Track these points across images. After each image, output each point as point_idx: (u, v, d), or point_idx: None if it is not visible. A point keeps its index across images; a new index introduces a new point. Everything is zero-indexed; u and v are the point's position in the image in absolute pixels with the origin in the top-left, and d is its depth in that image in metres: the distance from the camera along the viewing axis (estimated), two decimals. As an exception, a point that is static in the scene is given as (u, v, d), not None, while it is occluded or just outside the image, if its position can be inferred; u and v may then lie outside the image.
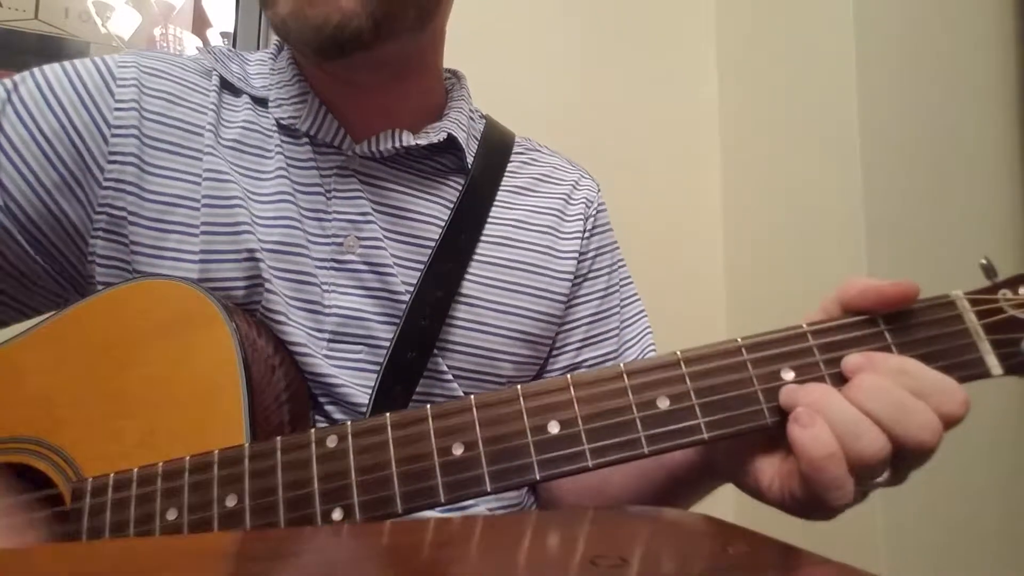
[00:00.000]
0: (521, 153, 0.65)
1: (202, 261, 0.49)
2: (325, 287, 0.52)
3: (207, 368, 0.43)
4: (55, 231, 0.49)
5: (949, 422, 0.35)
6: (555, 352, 0.61)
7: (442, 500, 0.36)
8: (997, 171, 1.18)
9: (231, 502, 0.37)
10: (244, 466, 0.38)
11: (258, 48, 1.14)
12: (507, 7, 1.28)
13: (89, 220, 0.49)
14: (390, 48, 0.52)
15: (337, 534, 0.35)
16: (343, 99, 0.56)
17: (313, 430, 0.38)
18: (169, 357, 0.44)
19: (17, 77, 0.50)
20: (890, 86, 1.09)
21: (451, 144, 0.58)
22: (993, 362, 0.37)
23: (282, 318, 0.49)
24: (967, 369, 0.37)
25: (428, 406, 0.38)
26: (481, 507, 0.54)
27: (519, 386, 0.38)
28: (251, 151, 0.53)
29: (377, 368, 0.51)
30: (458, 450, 0.37)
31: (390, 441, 0.37)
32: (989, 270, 0.40)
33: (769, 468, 0.38)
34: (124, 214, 0.49)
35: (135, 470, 0.39)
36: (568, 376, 0.38)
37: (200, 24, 1.28)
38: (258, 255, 0.49)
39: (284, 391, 0.46)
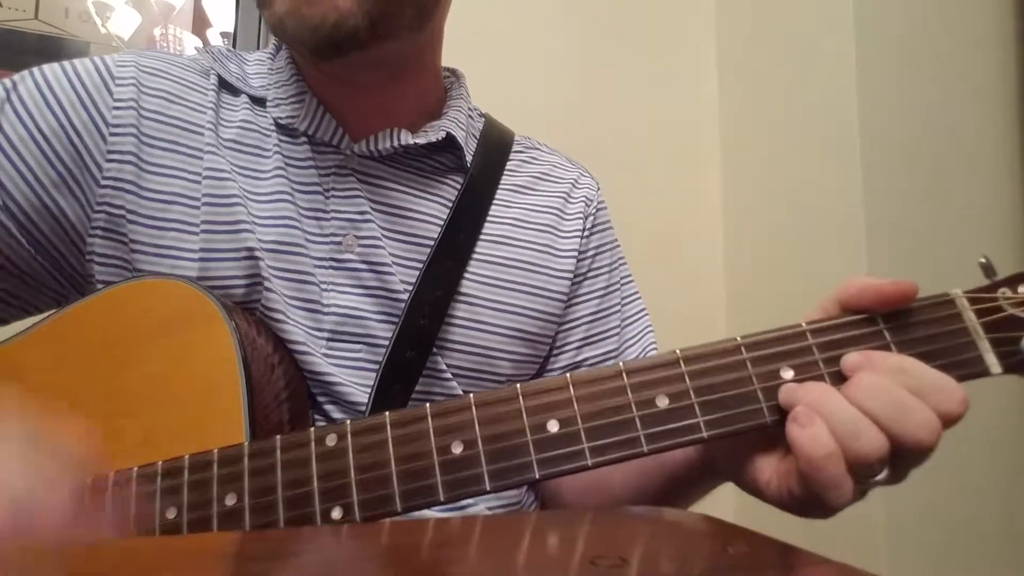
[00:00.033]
0: (520, 151, 0.65)
1: (202, 259, 0.49)
2: (324, 286, 0.52)
3: (207, 367, 0.43)
4: (54, 230, 0.49)
5: (948, 421, 0.35)
6: (556, 351, 0.61)
7: (441, 499, 0.36)
8: (997, 171, 1.18)
9: (231, 501, 0.37)
10: (243, 465, 0.38)
11: (258, 48, 1.14)
12: (507, 7, 1.28)
13: (88, 219, 0.49)
14: (388, 48, 0.52)
15: (337, 534, 0.35)
16: (341, 98, 0.56)
17: (312, 429, 0.38)
18: (169, 356, 0.44)
19: (16, 77, 0.50)
20: (890, 86, 1.09)
21: (450, 143, 0.58)
22: (992, 360, 0.37)
23: (281, 317, 0.49)
24: (966, 368, 0.37)
25: (427, 405, 0.38)
26: (480, 506, 0.54)
27: (518, 385, 0.38)
28: (249, 150, 0.53)
29: (376, 367, 0.51)
30: (457, 449, 0.37)
31: (389, 440, 0.37)
32: (988, 269, 0.40)
33: (768, 467, 0.38)
34: (123, 212, 0.49)
35: (135, 469, 0.39)
36: (567, 375, 0.38)
37: (200, 24, 1.28)
38: (257, 254, 0.49)
39: (283, 389, 0.46)
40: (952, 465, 0.94)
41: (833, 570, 0.26)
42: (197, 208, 0.50)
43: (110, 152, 0.49)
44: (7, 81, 0.50)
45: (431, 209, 0.57)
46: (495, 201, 0.59)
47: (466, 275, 0.55)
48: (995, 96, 1.19)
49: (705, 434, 0.37)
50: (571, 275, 0.60)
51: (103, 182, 0.49)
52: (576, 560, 0.29)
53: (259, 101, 0.56)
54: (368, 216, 0.54)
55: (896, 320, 0.38)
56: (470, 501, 0.52)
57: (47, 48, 1.16)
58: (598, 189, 0.67)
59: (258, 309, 0.49)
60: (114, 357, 0.44)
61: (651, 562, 0.28)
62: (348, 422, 0.38)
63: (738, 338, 0.38)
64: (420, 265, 0.54)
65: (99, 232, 0.49)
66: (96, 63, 0.51)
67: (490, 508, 0.55)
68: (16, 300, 0.52)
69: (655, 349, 0.65)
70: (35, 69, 0.50)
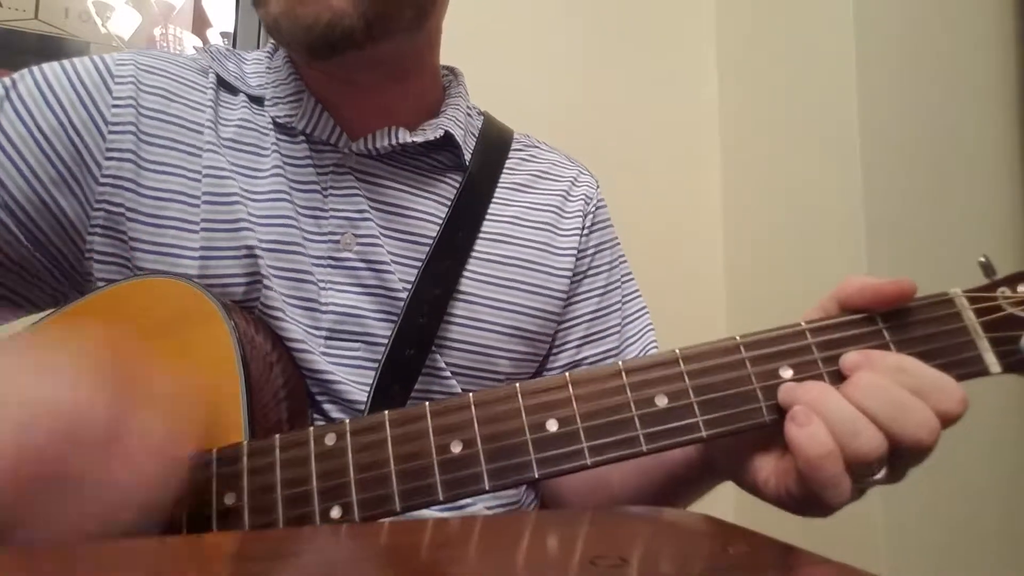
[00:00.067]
0: (520, 149, 0.65)
1: (202, 258, 0.49)
2: (322, 285, 0.52)
3: (206, 365, 0.43)
4: (53, 228, 0.49)
5: (947, 420, 0.35)
6: (556, 349, 0.61)
7: (440, 498, 0.36)
8: (997, 171, 1.17)
9: (230, 500, 0.37)
10: (243, 464, 0.38)
11: (258, 48, 1.14)
12: (509, 8, 1.28)
13: (87, 216, 0.49)
14: (386, 48, 0.52)
15: (336, 534, 0.35)
16: (339, 98, 0.56)
17: (311, 428, 0.38)
18: (168, 354, 0.44)
19: (16, 75, 0.50)
20: (890, 86, 1.09)
21: (448, 141, 0.58)
22: (992, 360, 0.37)
23: (280, 315, 0.49)
24: (965, 367, 0.37)
25: (426, 404, 0.38)
26: (479, 505, 0.54)
27: (517, 384, 0.38)
28: (247, 149, 0.53)
29: (375, 365, 0.51)
30: (456, 448, 0.37)
31: (388, 439, 0.37)
32: (987, 268, 0.40)
33: (766, 465, 0.38)
34: (122, 210, 0.49)
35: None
36: (566, 374, 0.38)
37: (200, 24, 1.28)
38: (257, 252, 0.49)
39: (282, 388, 0.46)
40: (952, 465, 0.95)
41: (833, 570, 0.26)
42: (197, 206, 0.50)
43: (109, 150, 0.49)
44: (6, 80, 0.50)
45: (430, 207, 0.57)
46: (494, 199, 0.59)
47: (465, 273, 0.55)
48: (995, 96, 1.19)
49: (704, 433, 0.37)
50: (570, 273, 0.60)
51: (102, 180, 0.49)
52: (576, 560, 0.29)
53: (257, 100, 0.56)
54: (366, 214, 0.54)
55: (895, 319, 0.38)
56: (468, 500, 0.52)
57: (47, 48, 1.16)
58: (597, 187, 0.67)
59: (257, 307, 0.49)
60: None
61: (651, 562, 0.28)
62: (347, 421, 0.38)
63: (737, 337, 0.38)
64: (419, 264, 0.54)
65: (98, 230, 0.49)
66: (95, 61, 0.52)
67: (489, 507, 0.54)
68: (15, 298, 0.52)
69: (655, 347, 0.65)
70: (34, 68, 0.51)
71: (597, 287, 0.63)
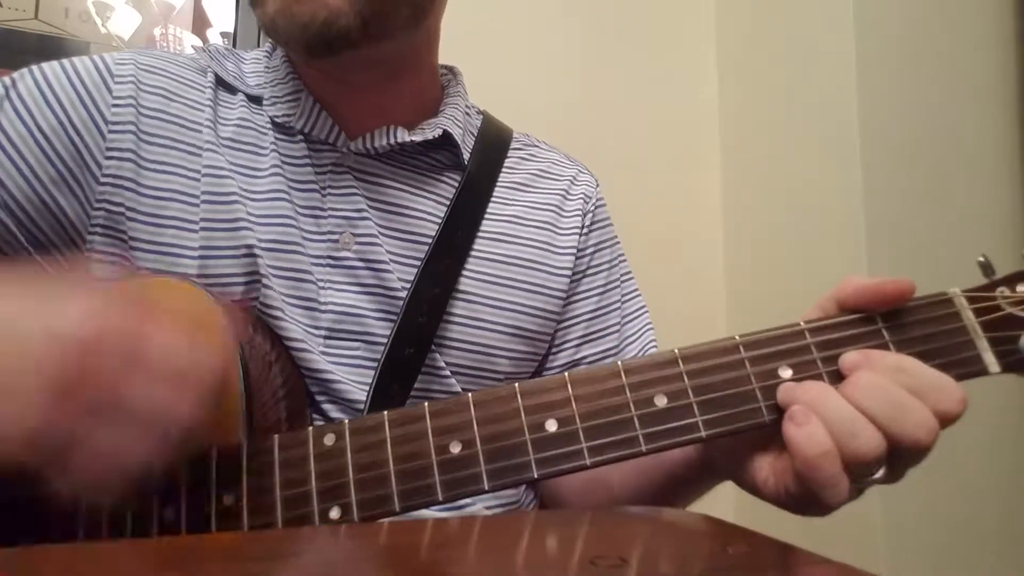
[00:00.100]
0: (519, 149, 0.65)
1: (202, 257, 0.49)
2: (321, 284, 0.52)
3: None
4: (53, 228, 0.49)
5: (946, 420, 0.35)
6: (555, 348, 0.61)
7: (440, 498, 0.36)
8: (997, 171, 1.17)
9: (229, 500, 0.37)
10: (242, 464, 0.38)
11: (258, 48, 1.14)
12: (507, 7, 1.28)
13: (87, 216, 0.49)
14: (383, 47, 0.52)
15: (336, 534, 0.35)
16: (337, 97, 0.56)
17: (311, 428, 0.38)
18: None
19: (15, 74, 0.50)
20: (890, 86, 1.09)
21: (447, 140, 0.58)
22: (991, 360, 0.37)
23: (279, 314, 0.49)
24: (965, 367, 0.37)
25: (426, 404, 0.38)
26: (478, 505, 0.54)
27: (517, 384, 0.38)
28: (246, 148, 0.53)
29: (374, 365, 0.51)
30: (456, 448, 0.37)
31: (388, 439, 0.37)
32: (987, 268, 0.40)
33: (765, 465, 0.38)
34: (122, 210, 0.49)
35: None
36: (566, 374, 0.38)
37: (200, 24, 1.28)
38: (256, 251, 0.49)
39: (281, 387, 0.46)
40: (952, 465, 0.95)
41: (833, 570, 0.26)
42: (196, 206, 0.50)
43: (109, 149, 0.49)
44: (6, 79, 0.50)
45: (428, 207, 0.57)
46: (493, 198, 0.59)
47: (464, 273, 0.55)
48: (995, 96, 1.19)
49: (703, 433, 0.37)
50: (570, 272, 0.60)
51: (103, 180, 0.49)
52: (576, 560, 0.29)
53: (255, 99, 0.56)
54: (365, 214, 0.54)
55: (894, 319, 0.38)
56: (468, 500, 0.52)
57: (47, 48, 1.16)
58: (597, 186, 0.67)
59: (256, 306, 0.49)
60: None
61: (651, 562, 0.28)
62: (346, 421, 0.38)
63: (737, 337, 0.38)
64: (418, 263, 0.54)
65: (98, 230, 0.49)
66: (95, 61, 0.52)
67: (488, 507, 0.54)
68: None
69: (655, 346, 0.65)
70: (34, 67, 0.51)
71: (596, 286, 0.63)
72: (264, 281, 0.49)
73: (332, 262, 0.53)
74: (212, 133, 0.52)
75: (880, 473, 0.35)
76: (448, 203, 0.57)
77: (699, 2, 1.41)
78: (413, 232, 0.55)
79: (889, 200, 1.07)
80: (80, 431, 0.31)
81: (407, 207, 0.56)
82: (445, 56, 0.63)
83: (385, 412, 0.38)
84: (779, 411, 0.37)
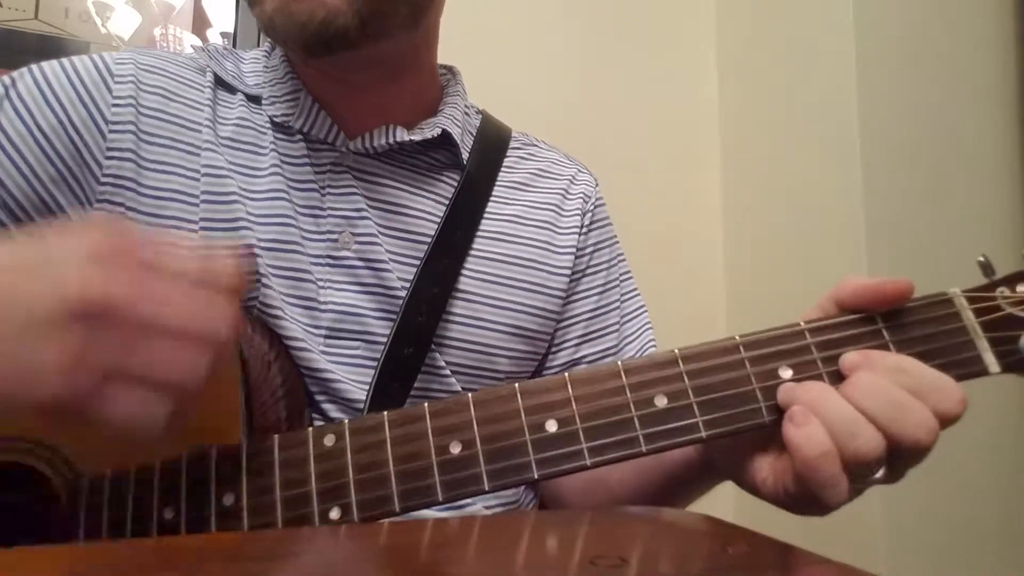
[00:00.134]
0: (518, 148, 0.65)
1: None
2: (321, 283, 0.52)
3: None
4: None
5: (946, 421, 0.35)
6: (554, 348, 0.61)
7: (440, 499, 0.36)
8: (997, 171, 1.17)
9: (228, 500, 0.37)
10: (241, 464, 0.38)
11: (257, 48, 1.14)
12: (507, 7, 1.28)
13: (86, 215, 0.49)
14: (382, 47, 0.52)
15: (336, 534, 0.35)
16: (336, 97, 0.56)
17: (311, 428, 0.38)
18: None
19: (15, 73, 0.50)
20: (890, 86, 1.09)
21: (446, 140, 0.58)
22: (991, 360, 0.37)
23: (279, 314, 0.49)
24: (965, 367, 0.37)
25: (426, 404, 0.38)
26: (478, 505, 0.54)
27: (517, 384, 0.38)
28: (245, 148, 0.53)
29: (374, 364, 0.51)
30: (456, 448, 0.37)
31: (388, 439, 0.37)
32: (987, 268, 0.40)
33: (764, 465, 0.38)
34: (122, 210, 0.49)
35: (132, 470, 0.39)
36: (566, 374, 0.38)
37: (200, 24, 1.28)
38: (255, 251, 0.49)
39: (280, 387, 0.46)
40: (952, 465, 0.94)
41: (833, 570, 0.26)
42: (196, 205, 0.50)
43: (109, 149, 0.49)
44: (6, 78, 0.50)
45: (428, 206, 0.57)
46: (492, 198, 0.59)
47: (464, 272, 0.55)
48: (995, 96, 1.19)
49: (704, 434, 0.37)
50: (569, 271, 0.60)
51: (103, 179, 0.49)
52: (576, 560, 0.29)
53: (254, 99, 0.56)
54: (364, 213, 0.54)
55: (894, 319, 0.38)
56: (467, 500, 0.52)
57: (47, 48, 1.16)
58: (596, 185, 0.67)
59: (255, 306, 0.49)
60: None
61: (651, 562, 0.28)
62: (346, 421, 0.38)
63: (737, 337, 0.38)
64: (417, 262, 0.54)
65: None
66: (95, 60, 0.52)
67: (488, 507, 0.54)
68: None
69: (654, 346, 0.65)
70: (34, 66, 0.50)
71: (596, 285, 0.63)
72: (264, 281, 0.49)
73: (332, 261, 0.53)
74: (211, 133, 0.52)
75: (880, 473, 0.35)
76: (447, 202, 0.57)
77: (699, 2, 1.41)
78: (412, 231, 0.55)
79: (889, 200, 1.07)
80: (113, 359, 0.30)
81: (406, 206, 0.56)
82: (445, 56, 0.63)
83: (385, 412, 0.38)
84: (779, 411, 0.37)
